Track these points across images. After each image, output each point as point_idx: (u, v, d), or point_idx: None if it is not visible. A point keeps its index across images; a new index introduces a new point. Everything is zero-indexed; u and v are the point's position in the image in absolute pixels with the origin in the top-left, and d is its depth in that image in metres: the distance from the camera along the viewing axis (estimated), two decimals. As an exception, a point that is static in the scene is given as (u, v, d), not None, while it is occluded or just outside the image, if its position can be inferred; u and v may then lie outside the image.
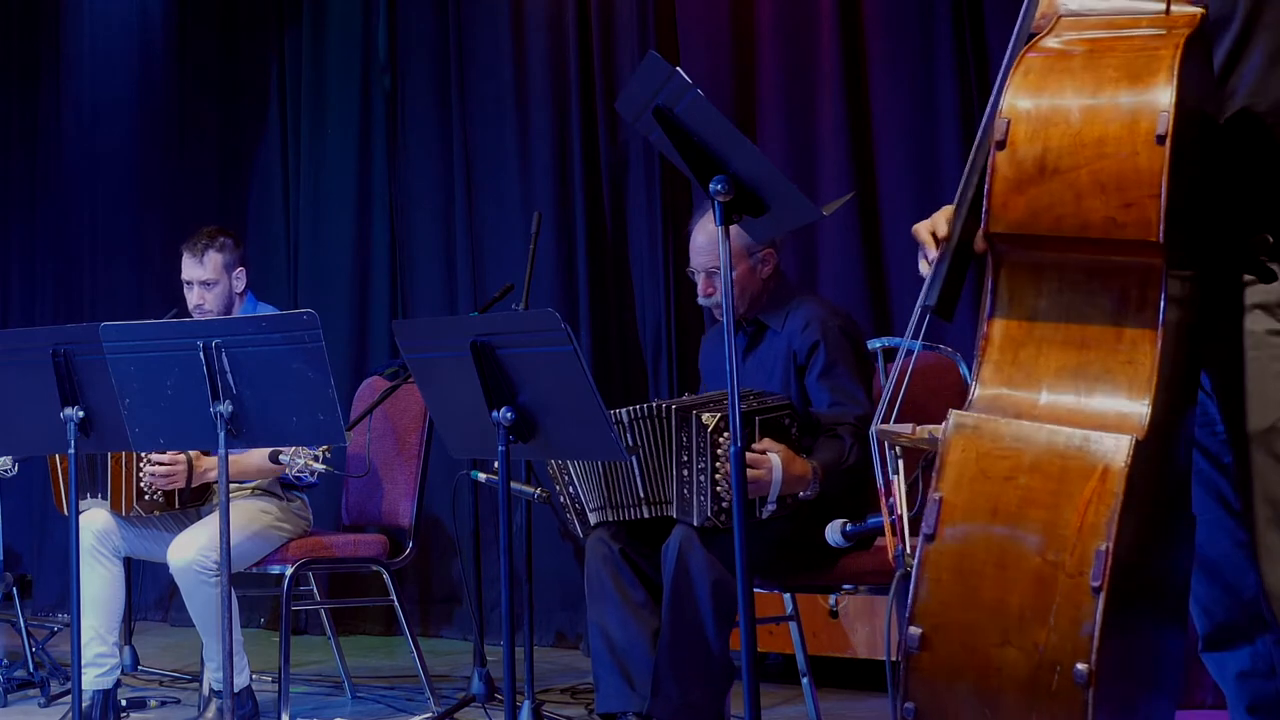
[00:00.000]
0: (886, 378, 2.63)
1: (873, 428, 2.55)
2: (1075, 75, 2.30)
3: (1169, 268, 2.24)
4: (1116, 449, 2.18)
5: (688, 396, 3.77)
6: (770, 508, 3.44)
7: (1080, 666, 2.13)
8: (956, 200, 2.50)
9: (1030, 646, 2.19)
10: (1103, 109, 2.25)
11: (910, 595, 2.30)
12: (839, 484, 3.57)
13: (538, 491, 4.24)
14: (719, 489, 3.41)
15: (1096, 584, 2.13)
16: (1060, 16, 2.40)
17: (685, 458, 3.45)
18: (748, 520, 3.21)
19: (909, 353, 2.57)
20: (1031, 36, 2.43)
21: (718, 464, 3.41)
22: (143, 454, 4.20)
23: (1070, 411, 2.27)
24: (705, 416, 3.43)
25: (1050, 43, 2.37)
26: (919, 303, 2.54)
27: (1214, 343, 2.42)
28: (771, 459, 3.42)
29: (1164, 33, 2.28)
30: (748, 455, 3.40)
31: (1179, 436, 2.37)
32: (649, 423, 3.50)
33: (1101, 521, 2.16)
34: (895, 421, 2.51)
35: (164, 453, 4.22)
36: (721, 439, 3.41)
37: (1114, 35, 2.34)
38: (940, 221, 2.58)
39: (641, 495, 3.56)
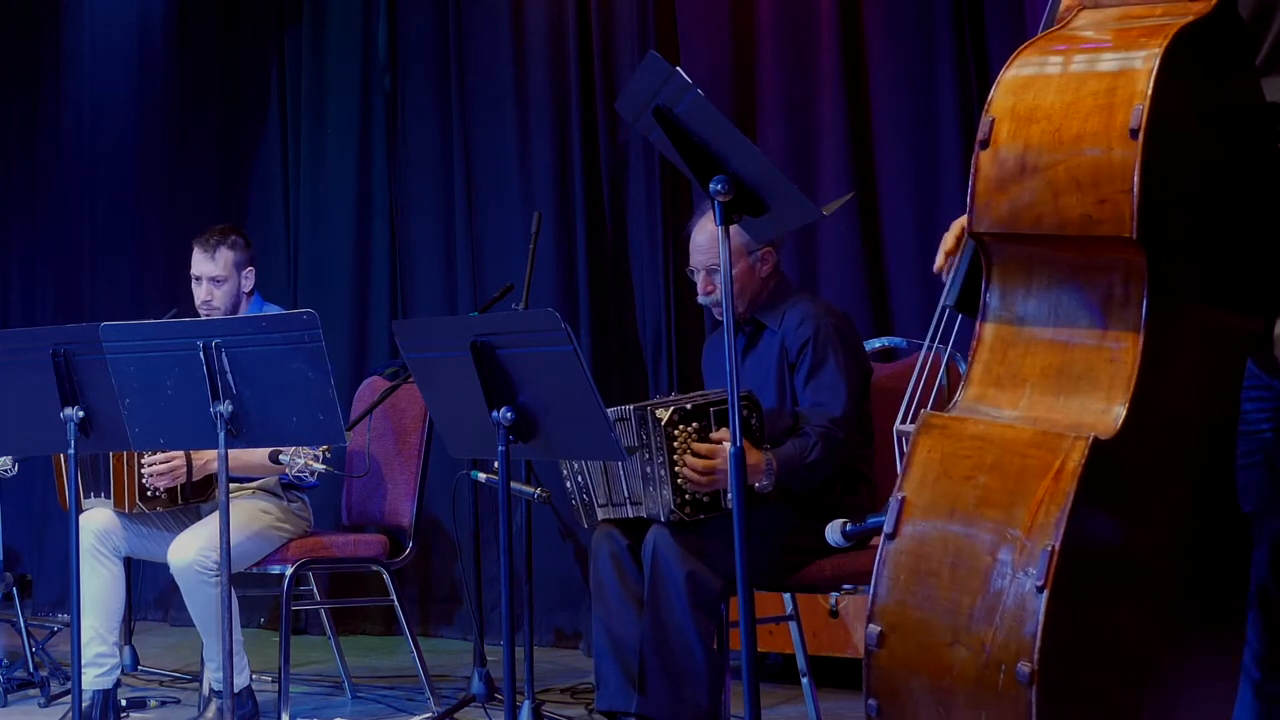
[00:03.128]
0: (912, 380, 2.62)
1: (895, 426, 2.55)
2: (1062, 72, 2.27)
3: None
4: (1073, 448, 2.15)
5: (674, 395, 3.79)
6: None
7: (1022, 666, 2.11)
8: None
9: (978, 646, 2.17)
10: (1083, 104, 2.21)
11: (870, 594, 2.31)
12: (801, 480, 3.57)
13: (538, 491, 4.24)
14: (679, 481, 3.42)
15: (1040, 584, 2.11)
16: (1083, 7, 2.36)
17: (647, 455, 3.47)
18: (722, 516, 3.22)
19: (928, 352, 2.57)
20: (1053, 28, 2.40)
21: (675, 456, 3.43)
22: (143, 454, 4.21)
23: (1048, 411, 2.25)
24: (659, 411, 3.46)
25: (1054, 35, 2.34)
26: (940, 303, 2.54)
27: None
28: (726, 449, 3.42)
29: (1170, 21, 2.22)
30: (701, 447, 3.42)
31: (1203, 433, 2.31)
32: (622, 425, 3.52)
33: (1051, 521, 2.13)
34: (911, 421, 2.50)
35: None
36: (676, 431, 3.43)
37: (1121, 26, 2.29)
38: (950, 237, 2.58)
39: (626, 495, 3.58)
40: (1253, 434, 2.40)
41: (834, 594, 4.33)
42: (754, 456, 3.47)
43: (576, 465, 3.69)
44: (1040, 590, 2.11)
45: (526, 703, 3.31)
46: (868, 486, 3.74)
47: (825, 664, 4.49)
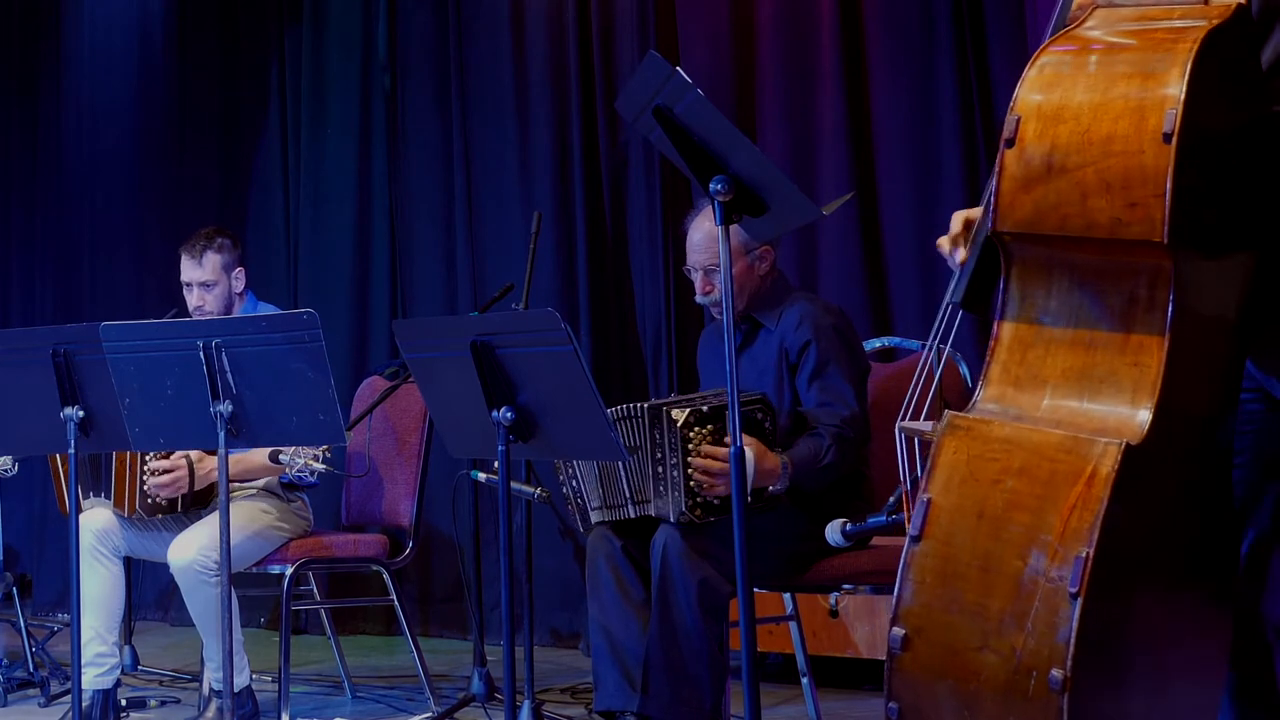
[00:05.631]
0: (915, 378, 2.61)
1: (897, 424, 2.54)
2: (1089, 72, 2.24)
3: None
4: (1105, 454, 2.14)
5: (674, 395, 3.78)
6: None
7: (1055, 673, 2.11)
8: (984, 196, 2.47)
9: (1008, 651, 2.16)
10: (1113, 106, 2.19)
11: (894, 596, 2.29)
12: (815, 481, 3.57)
13: (538, 491, 4.24)
14: (692, 484, 3.42)
15: (1074, 590, 2.10)
16: (1096, 6, 2.34)
17: (659, 455, 3.46)
18: (730, 518, 3.21)
19: (933, 351, 2.56)
20: (1067, 27, 2.37)
21: (689, 459, 3.42)
22: (146, 457, 4.20)
23: (1071, 414, 2.23)
24: (675, 412, 3.44)
25: (1075, 35, 2.31)
26: (945, 300, 2.52)
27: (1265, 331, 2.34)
28: (745, 452, 3.41)
29: (1191, 24, 2.20)
30: (716, 450, 3.41)
31: (1213, 436, 2.31)
32: (630, 423, 3.51)
33: (1084, 527, 2.12)
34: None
35: (162, 456, 4.21)
36: (692, 434, 3.42)
37: (1140, 28, 2.27)
38: (956, 224, 2.57)
39: (627, 495, 3.57)
40: (1245, 432, 2.40)
41: (834, 594, 4.33)
42: (771, 461, 3.47)
43: (571, 470, 3.68)
44: (1075, 596, 2.10)
45: (526, 703, 3.31)
46: (868, 486, 3.74)
47: (825, 664, 4.49)
